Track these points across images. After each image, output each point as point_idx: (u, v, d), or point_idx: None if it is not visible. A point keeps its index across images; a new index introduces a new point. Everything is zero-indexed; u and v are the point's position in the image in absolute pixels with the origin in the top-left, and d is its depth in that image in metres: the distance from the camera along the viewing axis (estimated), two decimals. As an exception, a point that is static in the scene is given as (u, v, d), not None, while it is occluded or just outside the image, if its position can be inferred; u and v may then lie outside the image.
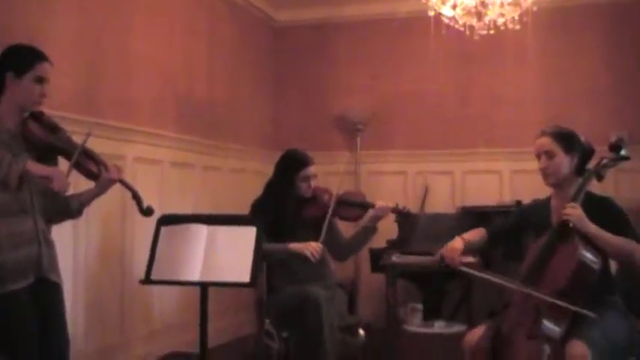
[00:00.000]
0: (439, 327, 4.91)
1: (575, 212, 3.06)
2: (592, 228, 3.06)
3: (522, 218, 3.53)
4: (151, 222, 3.34)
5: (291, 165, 4.14)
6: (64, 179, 2.96)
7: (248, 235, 3.21)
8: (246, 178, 6.42)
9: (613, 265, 3.26)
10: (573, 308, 2.91)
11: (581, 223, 3.05)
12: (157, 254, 3.24)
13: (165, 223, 3.31)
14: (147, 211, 3.34)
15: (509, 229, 3.56)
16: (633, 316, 3.21)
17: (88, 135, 3.12)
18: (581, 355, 2.80)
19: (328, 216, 4.05)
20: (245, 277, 3.15)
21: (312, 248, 3.91)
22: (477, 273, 3.29)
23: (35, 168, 2.91)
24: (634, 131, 5.96)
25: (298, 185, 4.12)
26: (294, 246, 3.94)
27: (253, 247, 3.17)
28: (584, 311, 2.90)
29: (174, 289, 5.07)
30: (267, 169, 5.41)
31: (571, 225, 3.05)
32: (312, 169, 4.14)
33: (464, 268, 3.33)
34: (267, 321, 3.99)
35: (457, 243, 3.40)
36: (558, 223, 3.11)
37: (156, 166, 5.21)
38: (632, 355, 3.08)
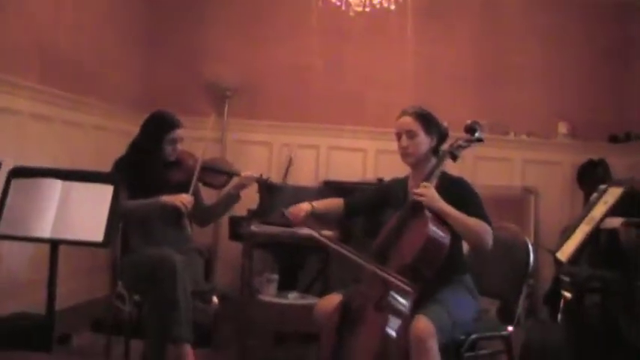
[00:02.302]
0: (293, 298, 4.96)
1: (427, 192, 3.16)
2: (444, 206, 3.16)
3: (380, 194, 3.64)
4: (2, 174, 3.20)
5: (159, 126, 4.07)
6: None
7: (104, 193, 3.14)
8: (110, 137, 6.24)
9: (465, 246, 3.38)
10: (405, 287, 3.00)
11: (433, 202, 3.16)
12: (6, 208, 3.11)
13: (17, 175, 3.19)
14: None
15: (366, 202, 3.67)
16: (479, 296, 3.37)
17: None
18: (424, 329, 2.91)
19: (195, 177, 4.04)
20: (98, 236, 3.09)
21: (183, 199, 3.91)
22: (319, 236, 3.31)
23: None
24: (496, 121, 6.21)
25: (164, 147, 4.06)
26: (166, 198, 3.91)
27: (109, 206, 3.10)
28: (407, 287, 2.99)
29: (25, 246, 4.88)
30: (132, 129, 5.26)
31: (423, 204, 3.15)
32: (179, 132, 4.09)
33: (306, 230, 3.46)
34: (119, 283, 3.91)
35: (304, 205, 3.51)
36: (410, 202, 3.21)
37: (14, 117, 4.96)
38: (476, 332, 3.23)
